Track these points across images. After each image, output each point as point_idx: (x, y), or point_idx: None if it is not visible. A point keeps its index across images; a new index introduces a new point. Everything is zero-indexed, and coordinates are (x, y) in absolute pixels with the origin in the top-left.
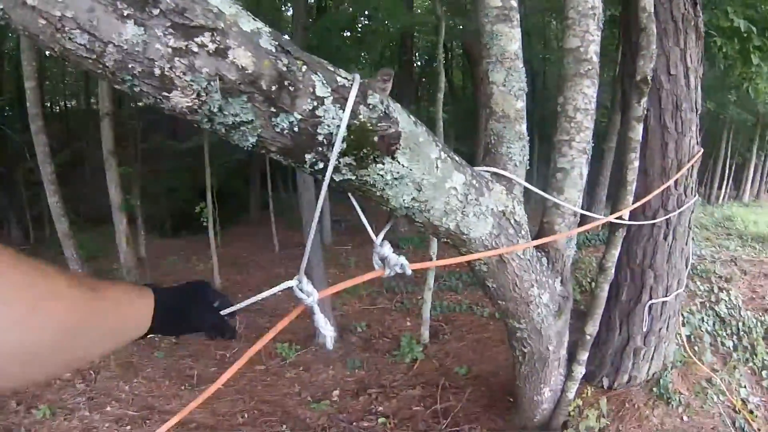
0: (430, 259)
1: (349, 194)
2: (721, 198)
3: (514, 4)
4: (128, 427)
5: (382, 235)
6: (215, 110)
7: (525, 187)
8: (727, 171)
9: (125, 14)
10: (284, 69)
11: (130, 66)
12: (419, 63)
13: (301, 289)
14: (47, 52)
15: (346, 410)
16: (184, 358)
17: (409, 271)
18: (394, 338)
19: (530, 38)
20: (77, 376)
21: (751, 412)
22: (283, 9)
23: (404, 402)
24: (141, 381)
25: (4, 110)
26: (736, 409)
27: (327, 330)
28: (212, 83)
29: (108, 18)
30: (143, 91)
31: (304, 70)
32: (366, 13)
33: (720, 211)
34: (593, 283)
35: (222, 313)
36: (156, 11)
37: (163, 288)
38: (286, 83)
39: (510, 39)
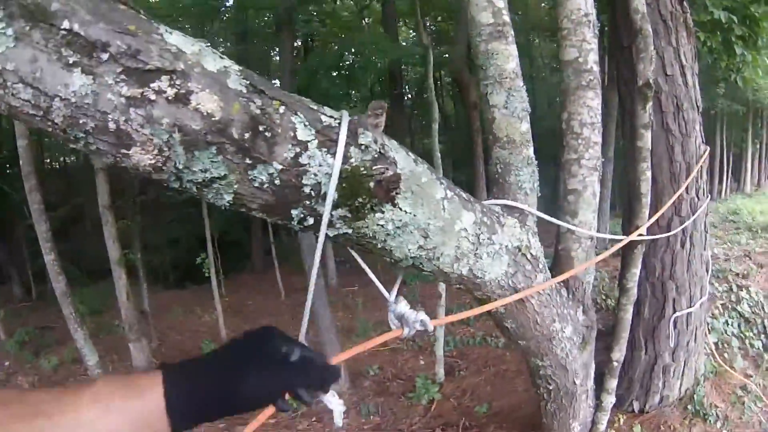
0: (440, 296)
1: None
2: (723, 192)
3: (507, 19)
4: None
5: (395, 291)
6: (181, 167)
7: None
8: (725, 164)
9: (71, 62)
10: (258, 112)
11: (81, 122)
12: (410, 95)
13: None
14: None
15: None
16: None
17: (431, 328)
18: (408, 379)
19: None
20: None
21: None
22: (272, 54)
23: None
24: None
25: (5, 167)
26: None
27: (335, 404)
28: (174, 135)
29: (52, 68)
30: (100, 149)
31: (282, 111)
32: (353, 50)
33: (725, 205)
34: (607, 299)
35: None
36: (105, 56)
37: (186, 362)
38: (261, 129)
39: (507, 57)
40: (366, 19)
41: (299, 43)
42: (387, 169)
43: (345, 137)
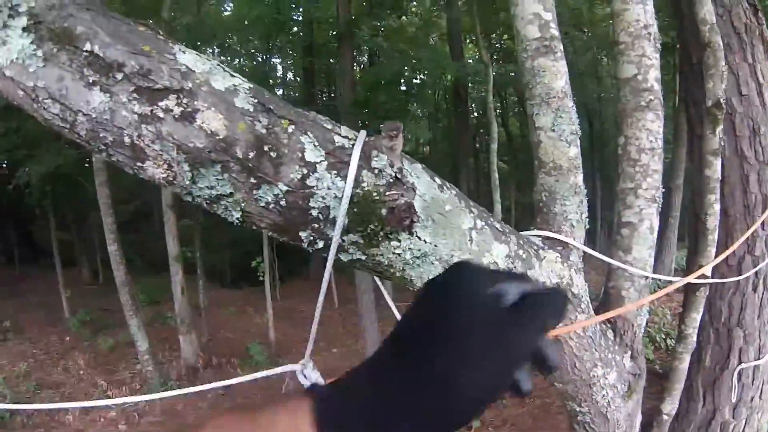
0: None
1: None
2: None
3: (556, 33)
4: None
5: None
6: (188, 182)
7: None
8: None
9: (91, 81)
10: (263, 131)
11: (101, 135)
12: (475, 114)
13: (305, 376)
14: None
15: None
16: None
17: None
18: None
19: (583, 78)
20: (121, 417)
21: None
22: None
23: None
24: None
25: (84, 161)
26: None
27: None
28: (180, 152)
29: (76, 86)
30: (120, 161)
31: (290, 130)
32: (411, 65)
33: None
34: (667, 338)
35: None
36: (120, 76)
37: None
38: (266, 148)
39: (555, 74)
40: (432, 36)
41: (365, 58)
42: (402, 195)
43: (357, 159)
